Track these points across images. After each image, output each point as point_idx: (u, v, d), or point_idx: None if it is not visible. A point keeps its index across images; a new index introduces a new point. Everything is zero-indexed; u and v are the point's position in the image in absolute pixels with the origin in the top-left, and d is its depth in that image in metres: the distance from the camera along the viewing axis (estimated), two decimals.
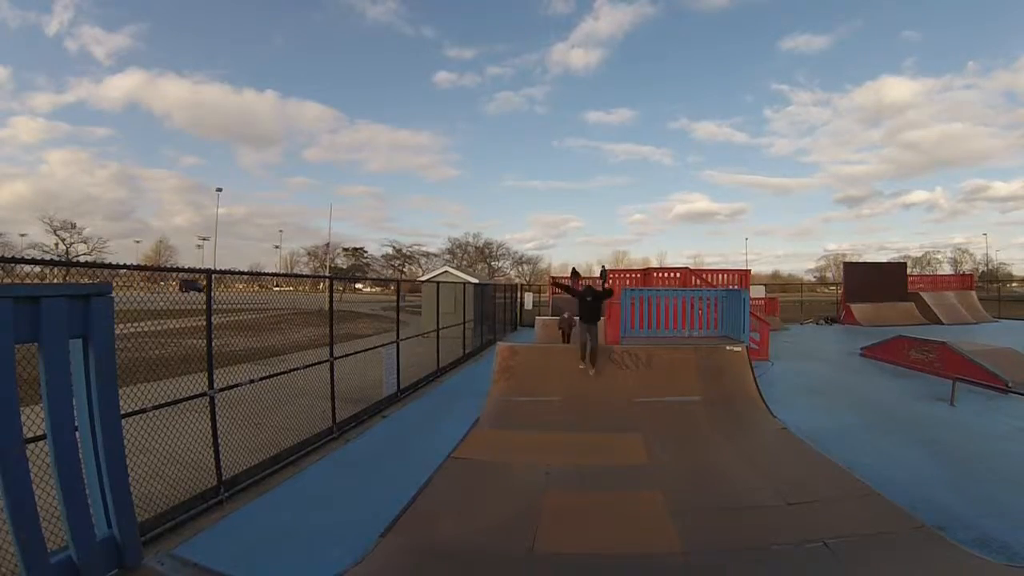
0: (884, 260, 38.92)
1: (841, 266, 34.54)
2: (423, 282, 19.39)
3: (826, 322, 25.70)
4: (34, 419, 2.19)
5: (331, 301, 7.56)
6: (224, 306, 5.41)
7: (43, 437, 1.95)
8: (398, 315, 10.27)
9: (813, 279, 60.16)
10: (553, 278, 29.00)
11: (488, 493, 4.90)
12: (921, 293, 25.42)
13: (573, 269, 10.68)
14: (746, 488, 4.92)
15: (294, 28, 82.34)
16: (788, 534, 4.01)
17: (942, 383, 9.14)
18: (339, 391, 7.14)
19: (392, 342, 9.39)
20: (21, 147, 68.42)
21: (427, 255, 60.14)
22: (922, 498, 4.65)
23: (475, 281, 19.79)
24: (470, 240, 61.75)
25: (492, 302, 19.97)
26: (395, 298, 10.75)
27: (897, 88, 71.84)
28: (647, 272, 19.22)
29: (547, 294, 27.79)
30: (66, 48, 68.88)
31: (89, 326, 2.06)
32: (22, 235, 48.90)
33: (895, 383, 10.26)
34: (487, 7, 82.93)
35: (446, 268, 26.01)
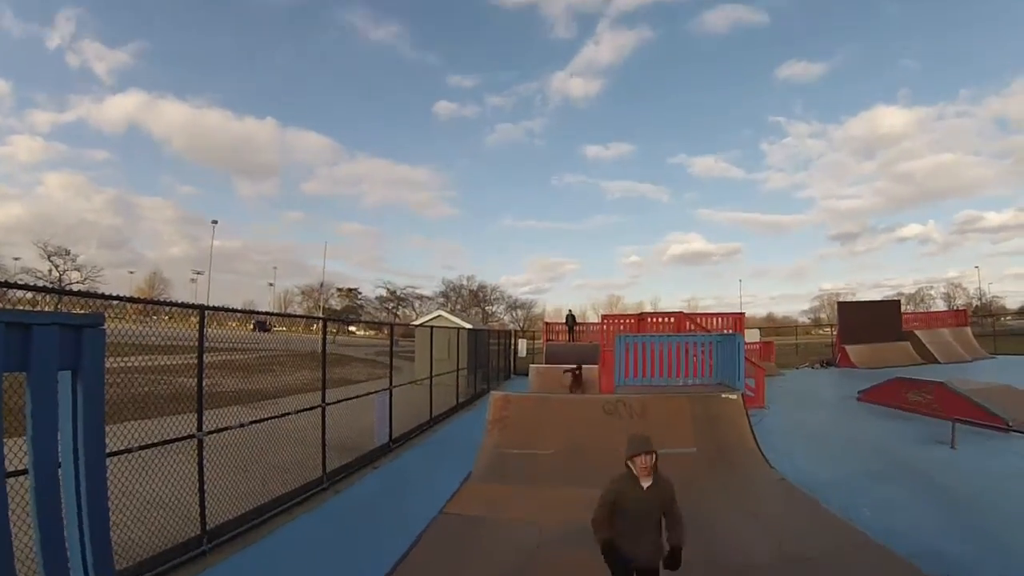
0: (878, 298, 39.14)
1: (835, 306, 34.72)
2: (416, 326, 19.31)
3: (822, 365, 25.60)
4: (16, 452, 2.12)
5: (324, 344, 7.50)
6: (217, 344, 5.34)
7: (25, 472, 1.88)
8: (391, 360, 10.16)
9: (808, 320, 60.35)
10: (548, 324, 29.07)
11: (480, 552, 4.76)
12: (916, 331, 25.45)
13: (569, 312, 10.75)
14: (745, 543, 4.79)
15: (296, 55, 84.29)
16: None
17: (941, 425, 9.04)
18: (330, 439, 6.98)
19: (385, 389, 9.26)
20: (19, 167, 68.49)
21: (421, 298, 60.08)
22: (925, 547, 4.52)
23: (469, 326, 19.73)
24: (464, 283, 61.91)
25: (486, 348, 19.83)
26: (388, 342, 10.63)
27: (891, 117, 73.83)
28: (641, 317, 19.23)
29: (542, 340, 27.72)
30: (67, 64, 70.00)
31: (80, 358, 2.03)
32: (16, 259, 48.51)
33: (894, 427, 10.15)
34: (489, 33, 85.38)
35: (440, 312, 25.96)
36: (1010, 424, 8.31)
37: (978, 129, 74.39)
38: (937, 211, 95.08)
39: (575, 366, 15.74)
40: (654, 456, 3.41)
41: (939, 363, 22.26)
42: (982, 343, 26.47)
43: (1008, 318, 46.23)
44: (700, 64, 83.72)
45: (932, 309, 45.48)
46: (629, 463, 3.43)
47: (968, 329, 27.10)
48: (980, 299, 56.15)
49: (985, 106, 73.43)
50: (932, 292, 60.83)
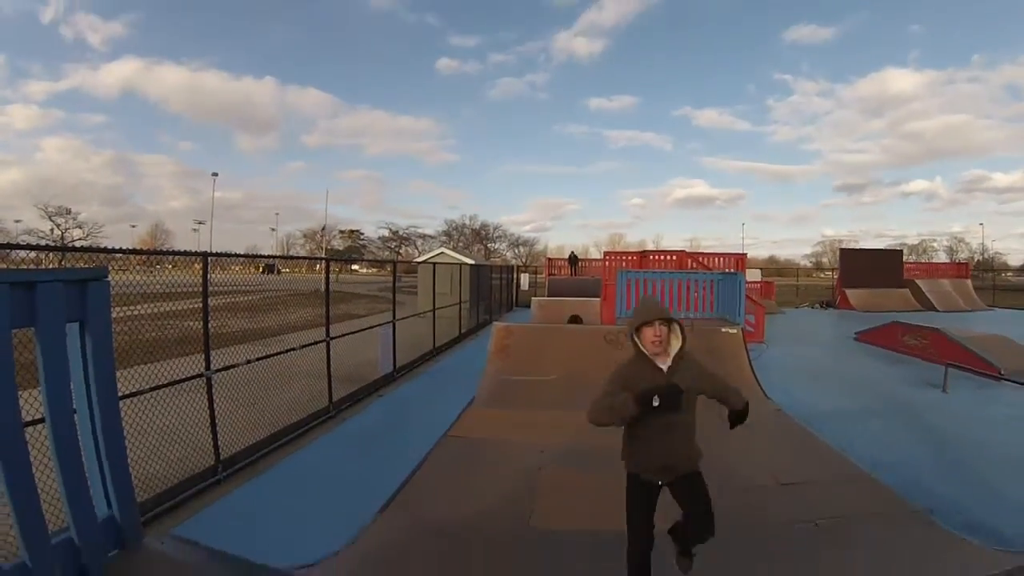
0: (881, 247, 38.96)
1: (838, 252, 34.60)
2: (419, 263, 19.36)
3: (821, 306, 25.85)
4: (32, 403, 2.18)
5: (327, 282, 7.54)
6: (221, 288, 5.38)
7: (42, 420, 1.94)
8: (394, 296, 10.25)
9: (810, 264, 60.35)
10: (550, 260, 29.07)
11: (484, 471, 4.95)
12: (916, 280, 25.51)
13: (572, 253, 10.76)
14: (740, 468, 4.96)
15: (295, 14, 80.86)
16: (780, 514, 4.08)
17: (935, 369, 9.21)
18: (335, 371, 7.14)
19: (388, 322, 9.40)
20: (15, 134, 67.42)
21: (424, 237, 60.04)
22: (913, 481, 4.71)
23: (471, 262, 19.76)
24: (467, 222, 61.56)
25: (488, 283, 19.96)
26: (391, 279, 10.68)
27: (901, 80, 72.07)
28: (643, 255, 19.18)
29: (544, 275, 27.81)
30: (62, 35, 67.63)
31: (86, 310, 2.04)
32: (17, 221, 48.46)
33: (888, 368, 10.35)
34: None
35: (442, 249, 25.94)
36: (1002, 372, 8.45)
37: (990, 94, 71.91)
38: (944, 168, 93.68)
39: (576, 316, 15.53)
40: (670, 327, 2.59)
41: (937, 311, 22.45)
42: (981, 296, 26.59)
43: (1009, 274, 46.08)
44: (706, 25, 79.72)
45: (934, 261, 45.24)
46: (636, 338, 2.57)
47: (968, 282, 27.16)
48: (982, 254, 55.83)
49: (998, 72, 70.44)
50: (935, 245, 60.74)
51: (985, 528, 3.90)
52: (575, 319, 13.93)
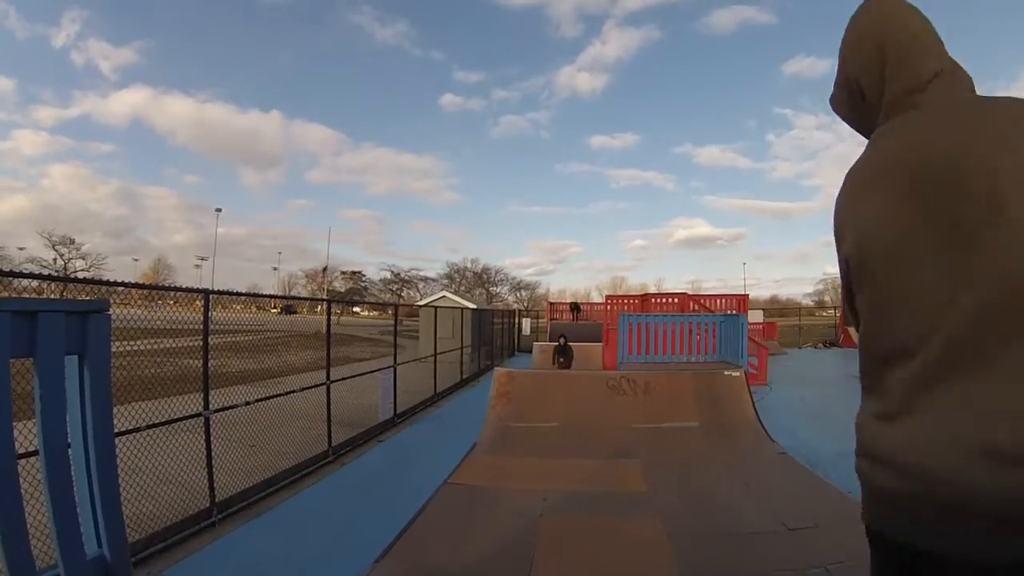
0: None
1: (839, 289, 34.64)
2: (421, 307, 19.40)
3: (824, 346, 25.70)
4: (26, 434, 2.18)
5: (328, 324, 7.58)
6: (221, 327, 5.40)
7: (35, 453, 1.93)
8: (395, 339, 10.25)
9: (812, 303, 60.30)
10: (552, 304, 29.15)
11: (485, 519, 4.83)
12: None
13: (574, 302, 10.92)
14: (746, 514, 4.86)
15: (302, 49, 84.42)
16: (789, 560, 3.95)
17: None
18: (335, 415, 7.08)
19: (389, 366, 9.36)
20: (23, 160, 69.17)
21: (425, 280, 60.30)
22: None
23: (473, 306, 19.80)
24: (468, 265, 61.99)
25: (490, 327, 19.93)
26: (392, 322, 10.72)
27: None
28: (645, 298, 19.27)
29: (545, 319, 27.81)
30: (72, 61, 70.02)
31: (86, 343, 2.06)
32: (20, 248, 48.95)
33: None
34: (496, 30, 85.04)
35: (444, 293, 26.05)
36: None
37: None
38: None
39: (560, 336, 14.37)
40: None
41: None
42: None
43: None
44: (707, 60, 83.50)
45: None
46: None
47: None
48: None
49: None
50: None
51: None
52: (562, 340, 13.70)
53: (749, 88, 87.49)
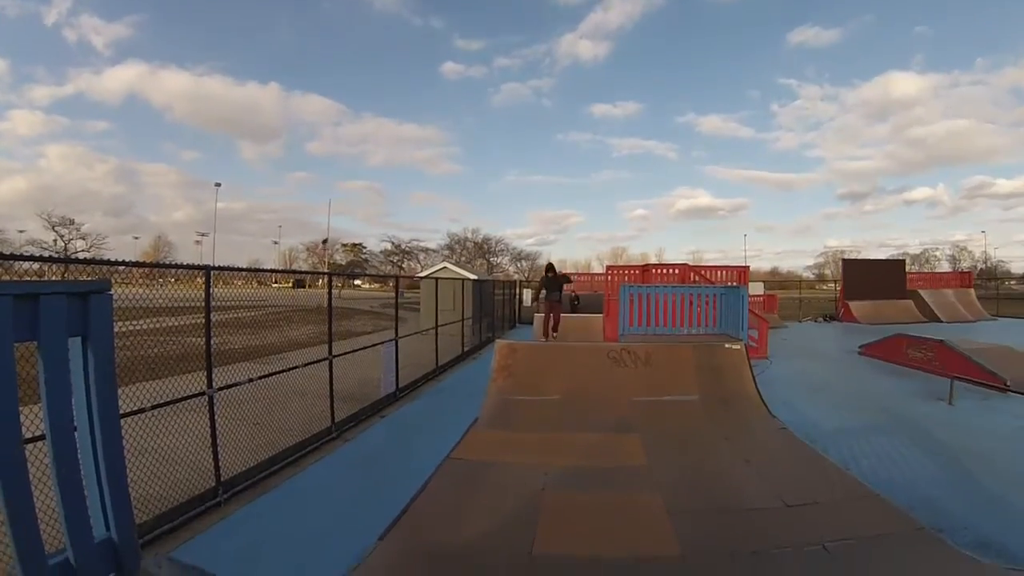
0: (883, 257, 38.96)
1: (840, 263, 34.54)
2: (422, 278, 19.37)
3: (825, 319, 25.73)
4: (32, 419, 2.17)
5: (330, 298, 7.54)
6: (223, 303, 5.38)
7: (42, 437, 1.93)
8: (396, 312, 10.24)
9: (812, 276, 60.31)
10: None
11: (486, 494, 4.89)
12: (920, 291, 25.45)
13: (549, 263, 10.86)
14: (745, 489, 4.91)
15: (299, 19, 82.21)
16: (787, 536, 4.01)
17: (941, 381, 9.14)
18: (338, 390, 7.11)
19: (391, 340, 9.38)
20: (19, 141, 68.30)
21: (426, 251, 60.21)
22: (921, 499, 4.66)
23: (474, 277, 19.77)
24: (469, 236, 61.72)
25: (491, 298, 19.92)
26: (394, 294, 10.69)
27: (905, 84, 72.35)
28: (646, 268, 19.20)
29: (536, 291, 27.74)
30: (65, 38, 68.57)
31: (88, 324, 2.04)
32: (20, 231, 48.80)
33: (893, 382, 10.27)
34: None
35: (445, 264, 26.02)
36: (1008, 384, 8.38)
37: (993, 98, 72.11)
38: (948, 175, 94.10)
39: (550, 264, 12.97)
40: None
41: (941, 322, 22.34)
42: (985, 305, 26.52)
43: (1013, 282, 45.95)
44: (711, 28, 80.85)
45: (937, 270, 45.16)
46: None
47: (972, 291, 27.09)
48: (985, 263, 55.85)
49: (1002, 75, 71.06)
50: (938, 254, 60.92)
51: (995, 545, 3.84)
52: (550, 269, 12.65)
53: (753, 58, 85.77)
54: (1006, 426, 7.02)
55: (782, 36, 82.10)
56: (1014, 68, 72.19)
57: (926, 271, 42.13)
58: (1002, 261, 58.39)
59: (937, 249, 62.60)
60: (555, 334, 10.74)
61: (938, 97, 72.98)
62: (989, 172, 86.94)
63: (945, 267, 55.41)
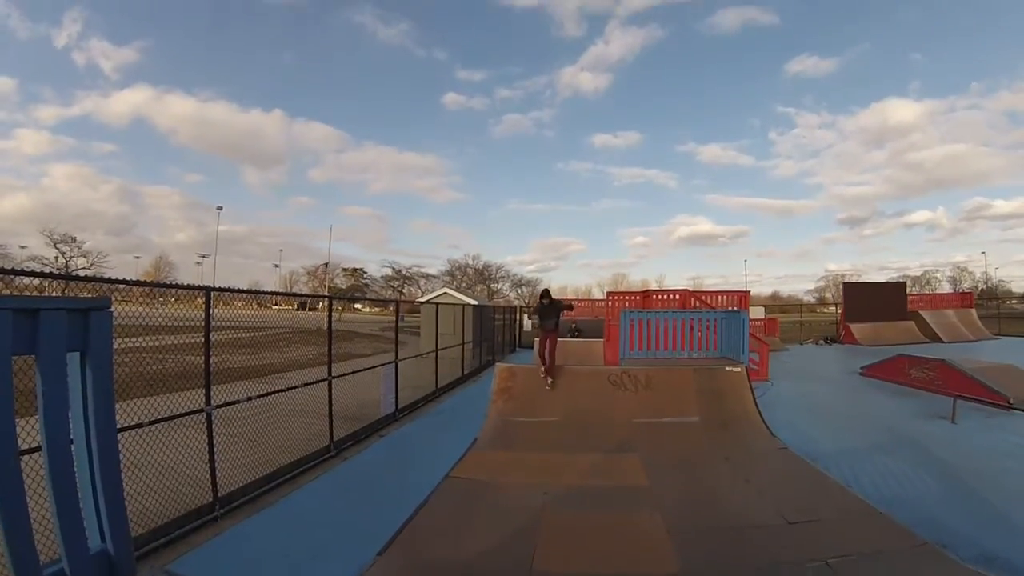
0: (884, 280, 39.01)
1: (840, 286, 34.57)
2: (422, 303, 19.39)
3: (826, 342, 25.63)
4: (29, 431, 2.19)
5: (330, 320, 7.57)
6: (223, 323, 5.41)
7: (38, 449, 1.95)
8: (396, 335, 10.27)
9: (813, 300, 60.27)
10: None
11: (486, 513, 4.85)
12: (921, 312, 25.40)
13: (545, 289, 10.49)
14: (746, 508, 4.87)
15: (305, 49, 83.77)
16: (789, 554, 3.96)
17: (943, 401, 9.08)
18: (337, 410, 7.10)
19: (391, 362, 9.37)
20: (25, 159, 68.85)
21: (426, 277, 60.36)
22: (924, 516, 4.60)
23: (474, 303, 19.80)
24: (470, 262, 61.92)
25: (491, 323, 19.93)
26: (394, 318, 10.72)
27: (902, 110, 73.05)
28: (646, 294, 19.25)
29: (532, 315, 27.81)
30: (74, 61, 69.91)
31: (87, 340, 2.07)
32: (22, 247, 49.03)
33: (896, 402, 10.20)
34: (499, 30, 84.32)
35: (445, 289, 26.08)
36: (1011, 402, 8.34)
37: (989, 121, 72.86)
38: (946, 198, 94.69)
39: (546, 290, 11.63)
40: None
41: (943, 342, 22.25)
42: (987, 325, 26.44)
43: (1013, 302, 45.90)
44: (710, 59, 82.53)
45: (938, 291, 45.18)
46: None
47: (973, 311, 27.05)
48: (986, 283, 55.88)
49: (997, 99, 72.25)
50: (938, 275, 60.92)
51: (999, 561, 3.79)
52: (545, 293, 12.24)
53: (752, 87, 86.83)
54: (1009, 443, 6.96)
55: (780, 66, 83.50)
56: (1008, 92, 73.20)
57: (927, 293, 42.16)
58: (1003, 281, 58.48)
59: (938, 271, 62.74)
60: (550, 380, 8.26)
61: (935, 122, 73.76)
62: (987, 194, 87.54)
63: (946, 288, 55.45)
